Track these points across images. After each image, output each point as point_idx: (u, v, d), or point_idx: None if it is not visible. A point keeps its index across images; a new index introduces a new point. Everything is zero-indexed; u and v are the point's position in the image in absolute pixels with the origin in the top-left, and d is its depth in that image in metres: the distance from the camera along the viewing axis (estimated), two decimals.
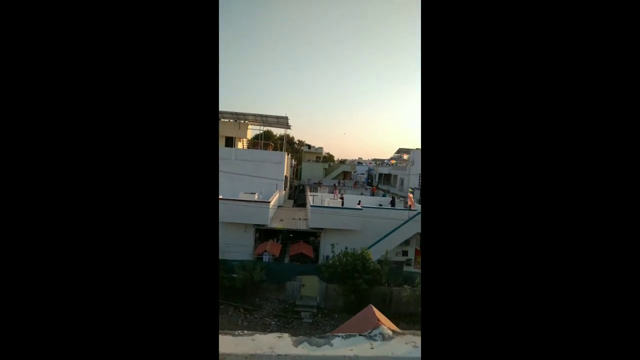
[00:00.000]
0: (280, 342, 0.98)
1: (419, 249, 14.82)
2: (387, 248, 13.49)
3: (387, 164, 38.02)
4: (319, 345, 0.97)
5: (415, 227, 14.00)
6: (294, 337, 1.00)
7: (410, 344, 1.01)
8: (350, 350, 0.96)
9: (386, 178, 35.05)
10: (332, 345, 0.98)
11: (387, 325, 1.45)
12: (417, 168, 25.99)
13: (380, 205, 18.13)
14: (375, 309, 2.19)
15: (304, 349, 0.95)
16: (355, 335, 1.03)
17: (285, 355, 0.93)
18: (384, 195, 24.38)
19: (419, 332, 1.07)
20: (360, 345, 0.98)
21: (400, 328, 1.10)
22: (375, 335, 1.03)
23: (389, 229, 14.15)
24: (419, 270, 11.50)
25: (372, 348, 0.98)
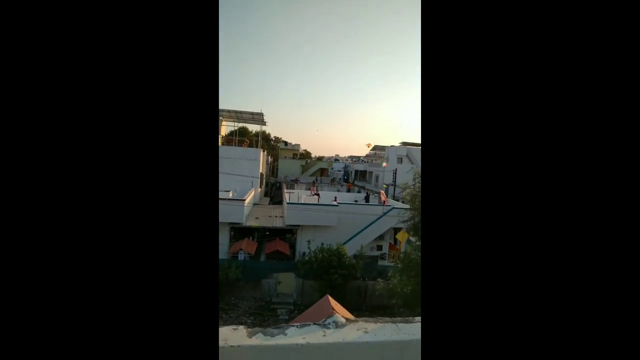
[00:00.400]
0: (235, 334, 0.99)
1: (392, 243, 15.20)
2: (362, 243, 13.73)
3: (363, 160, 38.57)
4: (272, 335, 0.99)
5: (390, 222, 14.32)
6: (249, 329, 1.01)
7: (361, 330, 1.05)
8: (303, 338, 0.99)
9: (362, 175, 35.52)
10: (286, 334, 1.00)
11: (341, 313, 1.50)
12: (391, 164, 26.58)
13: (356, 201, 18.41)
14: (331, 299, 2.25)
15: (257, 340, 0.98)
16: (309, 324, 1.06)
17: (239, 346, 0.94)
18: (359, 192, 24.76)
19: (371, 319, 1.12)
20: (313, 334, 1.01)
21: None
22: (329, 324, 1.07)
23: (364, 224, 14.39)
24: (393, 264, 11.80)
25: (325, 335, 1.01)
